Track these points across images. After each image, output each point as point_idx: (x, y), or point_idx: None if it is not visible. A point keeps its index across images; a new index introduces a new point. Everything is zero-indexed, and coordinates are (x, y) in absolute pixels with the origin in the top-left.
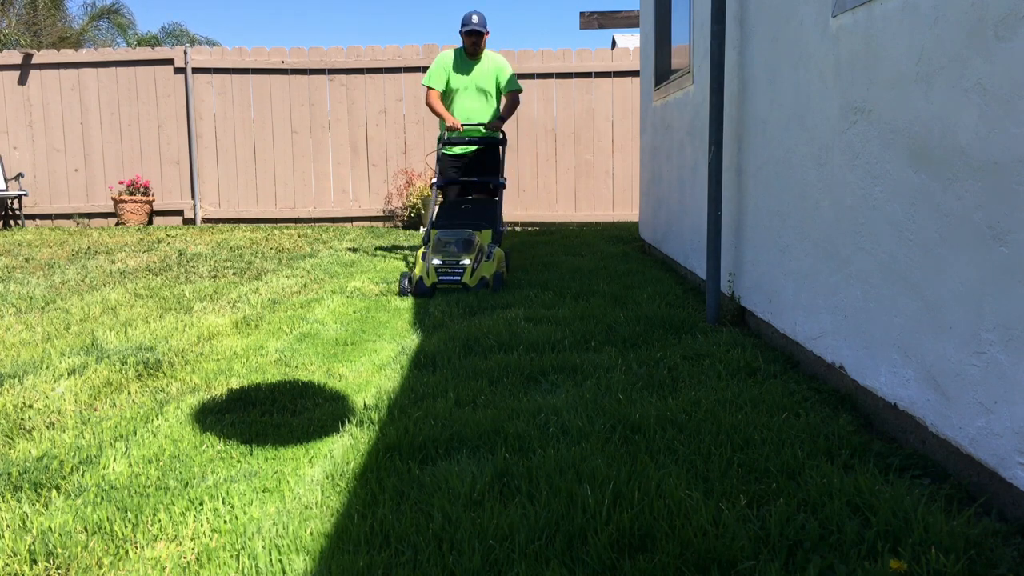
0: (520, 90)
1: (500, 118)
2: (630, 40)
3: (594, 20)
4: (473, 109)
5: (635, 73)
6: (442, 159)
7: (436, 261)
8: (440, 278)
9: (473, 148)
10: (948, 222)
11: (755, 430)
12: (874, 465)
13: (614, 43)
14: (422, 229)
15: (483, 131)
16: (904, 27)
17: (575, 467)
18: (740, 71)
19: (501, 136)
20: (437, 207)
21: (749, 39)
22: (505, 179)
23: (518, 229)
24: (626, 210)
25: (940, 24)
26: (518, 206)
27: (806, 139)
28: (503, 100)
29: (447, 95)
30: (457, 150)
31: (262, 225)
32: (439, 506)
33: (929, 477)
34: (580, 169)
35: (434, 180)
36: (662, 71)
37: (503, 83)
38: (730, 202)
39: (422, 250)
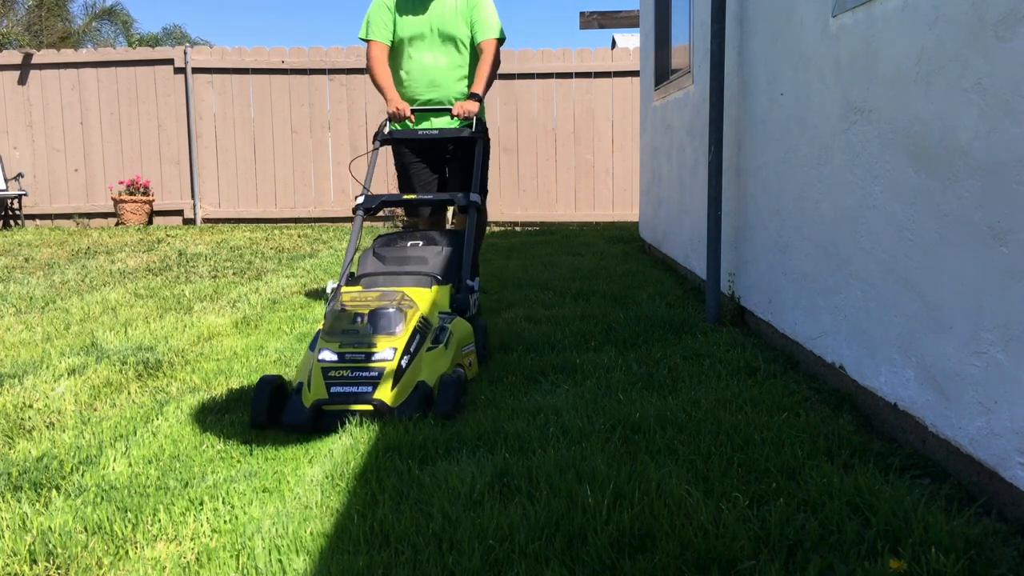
0: (502, 38)
1: (473, 96)
2: (630, 40)
3: (594, 20)
4: (437, 71)
5: (635, 73)
6: (400, 162)
7: (327, 356)
8: (331, 392)
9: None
10: (948, 222)
11: (755, 430)
12: (874, 465)
13: (614, 43)
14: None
15: (449, 120)
16: (904, 27)
17: (575, 467)
18: (740, 71)
19: (478, 130)
20: (369, 247)
21: (749, 39)
22: (482, 196)
23: (518, 229)
24: (626, 210)
25: (940, 24)
26: (518, 206)
27: (806, 139)
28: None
29: (395, 53)
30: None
31: (262, 225)
32: (439, 506)
33: (929, 477)
34: (580, 169)
35: (359, 198)
36: (662, 71)
37: (477, 23)
38: (730, 202)
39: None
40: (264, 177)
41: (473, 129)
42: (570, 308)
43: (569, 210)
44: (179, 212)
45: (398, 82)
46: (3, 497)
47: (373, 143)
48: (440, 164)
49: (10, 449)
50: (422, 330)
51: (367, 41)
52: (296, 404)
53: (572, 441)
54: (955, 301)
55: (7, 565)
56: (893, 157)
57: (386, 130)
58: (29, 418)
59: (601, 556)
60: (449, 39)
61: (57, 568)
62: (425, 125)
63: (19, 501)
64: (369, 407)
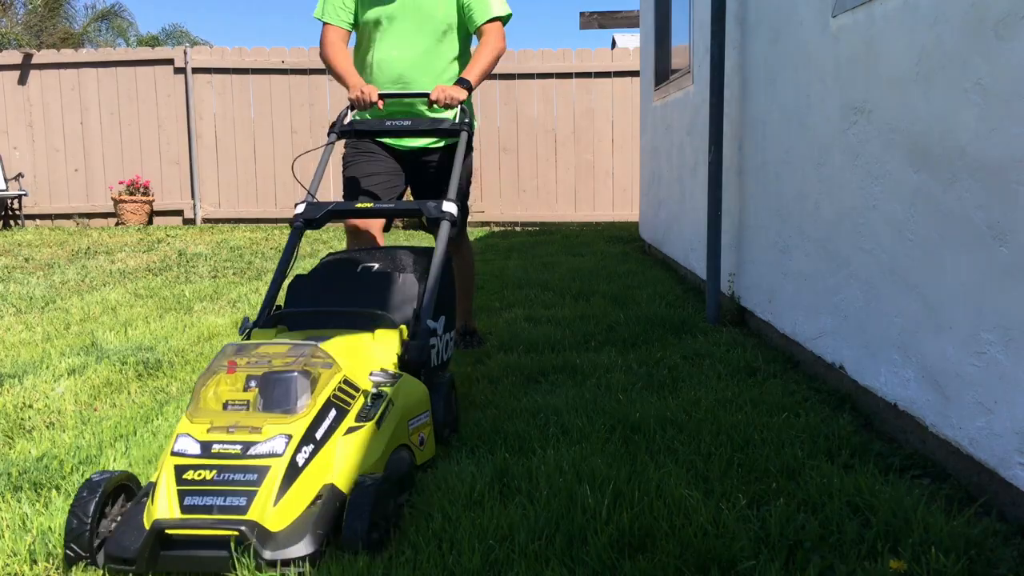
0: (507, 16)
1: (462, 81)
2: (630, 40)
3: (594, 20)
4: (407, 64)
5: (635, 73)
6: (351, 163)
7: (186, 446)
8: (184, 504)
9: (415, 143)
10: (948, 222)
11: (755, 430)
12: (874, 465)
13: (614, 43)
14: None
15: (426, 109)
16: (904, 27)
17: (575, 467)
18: (740, 71)
19: (462, 121)
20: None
21: (749, 39)
22: (462, 216)
23: (518, 229)
24: (626, 210)
25: (940, 24)
26: (518, 206)
27: (806, 139)
28: (478, 42)
29: (361, 39)
30: (391, 141)
31: (262, 225)
32: (439, 506)
33: (929, 477)
34: (580, 169)
35: (299, 206)
36: (662, 71)
37: (473, 3)
38: (730, 202)
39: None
40: (264, 177)
41: (456, 120)
42: (570, 308)
43: (569, 210)
44: (179, 212)
45: (362, 76)
46: (3, 497)
47: (329, 135)
48: (409, 177)
49: (10, 449)
50: (341, 402)
51: (323, 24)
52: (130, 525)
53: (572, 441)
54: (955, 301)
55: (7, 565)
56: (893, 157)
57: (346, 120)
58: (29, 418)
59: (601, 556)
60: (427, 25)
61: (57, 568)
62: (394, 114)
63: (19, 501)
64: (234, 533)
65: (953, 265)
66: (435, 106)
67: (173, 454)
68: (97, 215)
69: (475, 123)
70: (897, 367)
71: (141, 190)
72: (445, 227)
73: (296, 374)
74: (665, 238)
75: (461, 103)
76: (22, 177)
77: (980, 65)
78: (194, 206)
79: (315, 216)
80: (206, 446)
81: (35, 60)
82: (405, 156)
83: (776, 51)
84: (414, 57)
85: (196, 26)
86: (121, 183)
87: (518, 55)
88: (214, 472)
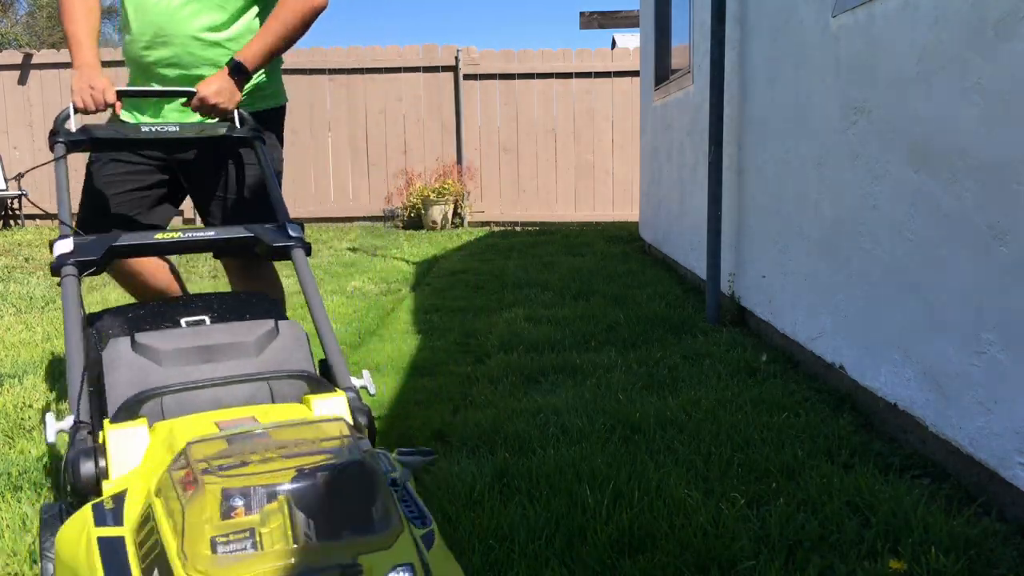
0: None
1: (235, 67)
2: (630, 40)
3: (594, 20)
4: (169, 16)
5: (635, 73)
6: (91, 172)
7: None
8: None
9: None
10: (948, 222)
11: (755, 430)
12: (874, 465)
13: (614, 43)
14: (414, 233)
15: (193, 114)
16: (904, 27)
17: (575, 467)
18: (740, 71)
19: (251, 128)
20: (113, 333)
21: (749, 39)
22: (295, 229)
23: (518, 229)
24: (626, 210)
25: (940, 24)
26: (518, 206)
27: (806, 139)
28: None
29: None
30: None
31: None
32: (439, 506)
33: (929, 477)
34: (580, 169)
35: (59, 244)
36: (662, 71)
37: None
38: (730, 202)
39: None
40: None
41: (240, 127)
42: (570, 308)
43: (569, 210)
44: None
45: (123, 31)
46: (3, 497)
47: (51, 147)
48: (178, 183)
49: (10, 449)
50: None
51: None
52: None
53: (572, 441)
54: (955, 301)
55: (7, 565)
56: (893, 157)
57: (72, 124)
58: (29, 418)
59: (601, 556)
60: None
61: None
62: (150, 114)
63: (19, 501)
64: None
65: (953, 265)
66: (201, 109)
67: None
68: None
69: (280, 101)
70: (897, 367)
71: None
72: (301, 255)
73: (364, 463)
74: (665, 238)
75: (237, 106)
76: (22, 177)
77: (980, 65)
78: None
79: (95, 256)
80: None
81: (35, 60)
82: (174, 159)
83: (776, 51)
84: (180, 5)
85: None
86: None
87: (518, 55)
88: None
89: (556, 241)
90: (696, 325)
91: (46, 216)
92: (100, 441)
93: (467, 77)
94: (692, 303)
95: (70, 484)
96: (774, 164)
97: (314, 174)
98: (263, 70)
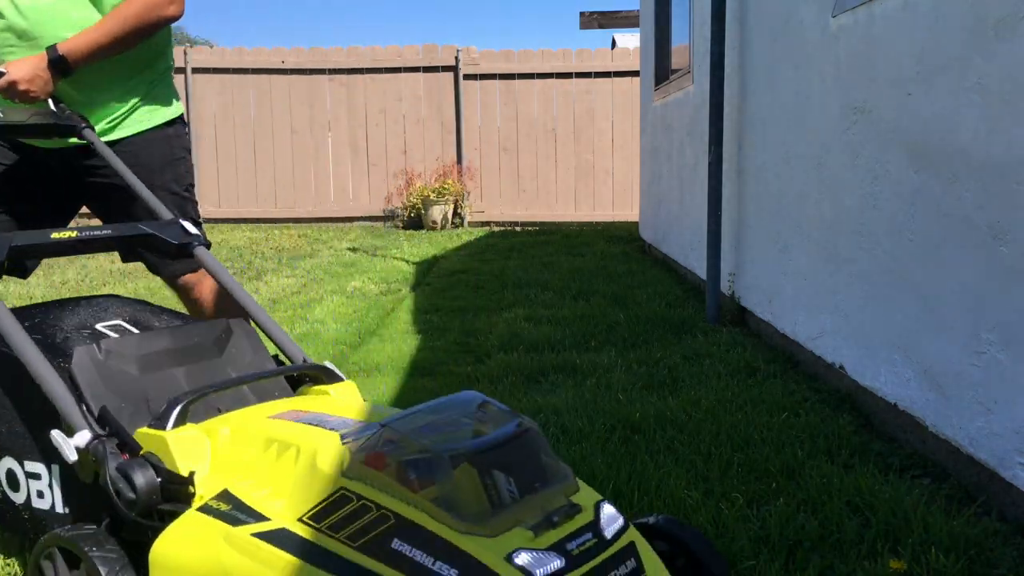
0: None
1: (55, 62)
2: (630, 40)
3: (594, 20)
4: (37, 10)
5: (635, 73)
6: None
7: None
8: None
9: (65, 139)
10: (948, 222)
11: (755, 430)
12: (874, 465)
13: (614, 43)
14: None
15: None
16: (904, 27)
17: (575, 467)
18: (740, 71)
19: (77, 117)
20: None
21: (749, 39)
22: (191, 225)
23: (518, 229)
24: (626, 210)
25: (940, 24)
26: (518, 206)
27: (806, 139)
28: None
29: None
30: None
31: (262, 225)
32: None
33: (929, 477)
34: (580, 169)
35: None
36: (662, 71)
37: None
38: (730, 202)
39: None
40: (264, 177)
41: (75, 128)
42: (570, 308)
43: (569, 210)
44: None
45: None
46: None
47: None
48: (72, 192)
49: None
50: None
51: None
52: None
53: (572, 441)
54: (955, 301)
55: (7, 565)
56: (893, 157)
57: None
58: None
59: None
60: None
61: None
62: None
63: None
64: None
65: (953, 265)
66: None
67: None
68: None
69: (178, 111)
70: (897, 367)
71: None
72: (204, 251)
73: (528, 421)
74: (665, 238)
75: (52, 96)
76: None
77: (980, 65)
78: None
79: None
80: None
81: None
82: (52, 158)
83: (776, 51)
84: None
85: (196, 26)
86: None
87: (518, 55)
88: None
89: (556, 241)
90: (696, 325)
91: None
92: (145, 450)
93: (467, 77)
94: (692, 303)
95: (124, 499)
96: (774, 164)
97: (314, 174)
98: (142, 89)
